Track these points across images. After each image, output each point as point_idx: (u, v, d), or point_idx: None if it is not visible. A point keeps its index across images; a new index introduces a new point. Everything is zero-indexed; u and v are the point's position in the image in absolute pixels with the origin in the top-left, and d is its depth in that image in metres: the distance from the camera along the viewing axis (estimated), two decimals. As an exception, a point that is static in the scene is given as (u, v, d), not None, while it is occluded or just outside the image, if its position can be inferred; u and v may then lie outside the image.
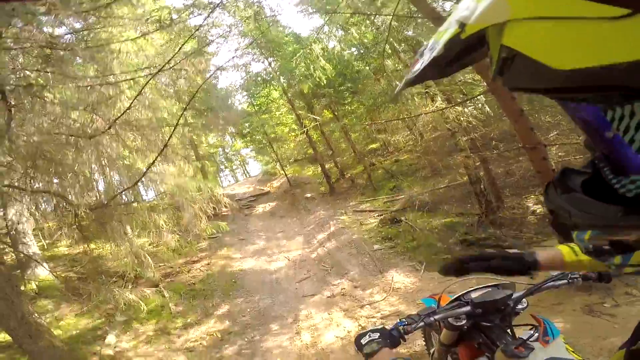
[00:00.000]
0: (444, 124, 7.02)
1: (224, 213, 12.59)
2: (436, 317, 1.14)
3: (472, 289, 1.32)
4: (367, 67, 11.02)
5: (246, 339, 5.07)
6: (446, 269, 1.05)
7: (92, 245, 10.12)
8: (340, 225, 9.10)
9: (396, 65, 8.86)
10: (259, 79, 14.97)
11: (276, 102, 16.91)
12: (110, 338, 5.72)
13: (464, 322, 1.16)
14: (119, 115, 4.10)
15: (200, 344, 5.30)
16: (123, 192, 5.15)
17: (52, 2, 2.25)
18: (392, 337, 1.05)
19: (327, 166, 14.29)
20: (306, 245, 8.97)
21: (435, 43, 0.38)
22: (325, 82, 10.97)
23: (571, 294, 3.05)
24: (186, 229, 8.21)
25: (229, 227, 11.78)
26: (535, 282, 1.15)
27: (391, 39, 6.99)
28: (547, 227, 5.06)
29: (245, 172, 28.86)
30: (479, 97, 6.32)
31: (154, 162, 4.66)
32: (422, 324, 1.12)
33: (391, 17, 5.80)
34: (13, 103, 3.05)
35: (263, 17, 12.11)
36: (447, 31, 0.35)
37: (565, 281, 1.15)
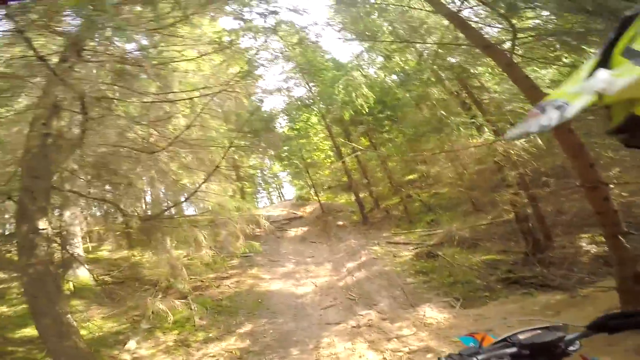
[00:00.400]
0: (491, 157, 6.65)
1: (257, 233, 12.82)
2: (479, 357, 1.05)
3: (520, 330, 1.20)
4: (408, 95, 10.95)
5: None
6: (595, 326, 1.03)
7: (133, 253, 10.74)
8: (372, 256, 8.80)
9: (440, 94, 8.66)
10: (300, 103, 15.48)
11: (314, 128, 17.29)
12: (131, 344, 5.81)
13: None
14: (179, 133, 4.46)
15: (218, 359, 5.23)
16: (171, 207, 5.47)
17: (128, 18, 2.60)
18: None
19: (361, 195, 14.06)
20: (334, 272, 8.75)
21: (566, 104, 0.41)
22: (366, 110, 11.04)
23: (625, 335, 2.66)
24: (221, 245, 8.38)
25: (261, 247, 11.91)
26: None
27: (435, 67, 6.92)
28: (601, 268, 4.47)
29: (281, 195, 29.37)
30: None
31: (205, 180, 4.94)
32: None
33: (436, 45, 5.81)
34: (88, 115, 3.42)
35: (307, 43, 12.75)
36: (580, 97, 0.40)
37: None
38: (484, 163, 7.48)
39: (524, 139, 5.64)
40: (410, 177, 14.58)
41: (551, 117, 0.42)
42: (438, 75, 7.61)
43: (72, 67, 2.84)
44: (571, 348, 1.05)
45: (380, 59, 8.92)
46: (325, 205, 16.28)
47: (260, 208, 20.55)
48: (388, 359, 4.02)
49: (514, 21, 4.42)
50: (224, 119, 7.41)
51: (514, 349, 1.06)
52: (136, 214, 4.89)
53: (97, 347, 5.44)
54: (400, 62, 8.07)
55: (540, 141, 6.14)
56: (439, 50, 6.15)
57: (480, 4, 4.74)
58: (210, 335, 6.10)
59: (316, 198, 16.71)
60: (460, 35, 5.20)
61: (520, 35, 4.74)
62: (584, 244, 5.25)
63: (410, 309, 5.28)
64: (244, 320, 6.60)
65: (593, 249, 5.01)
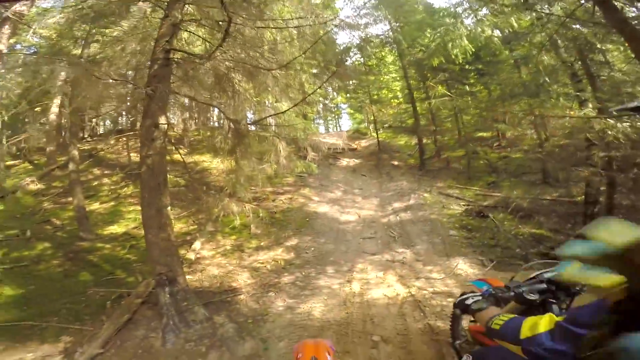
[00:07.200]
0: (585, 133, 6.12)
1: (312, 157, 13.45)
2: (523, 288, 1.33)
3: (545, 270, 1.48)
4: (509, 53, 9.80)
5: (303, 273, 5.53)
6: None
7: (201, 158, 11.81)
8: (421, 201, 8.97)
9: (551, 60, 7.59)
10: (377, 41, 14.65)
11: (388, 67, 16.54)
12: (197, 244, 6.57)
13: (536, 297, 1.32)
14: (297, 55, 4.70)
15: (265, 266, 5.89)
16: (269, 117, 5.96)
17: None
18: (494, 299, 1.30)
19: (424, 141, 13.79)
20: (380, 208, 9.16)
21: None
22: (460, 61, 10.17)
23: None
24: (283, 162, 8.85)
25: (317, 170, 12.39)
26: None
27: (554, 34, 6.10)
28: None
29: (337, 125, 29.89)
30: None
31: (297, 104, 5.33)
32: (512, 293, 1.33)
33: (565, 17, 5.10)
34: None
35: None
36: None
37: None
38: (573, 137, 6.91)
39: (627, 118, 5.07)
40: (482, 134, 13.63)
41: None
42: (555, 42, 6.67)
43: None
44: (584, 288, 1.27)
45: (484, 11, 7.74)
46: (382, 143, 16.34)
47: (318, 134, 21.04)
48: (413, 293, 4.48)
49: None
50: (300, 47, 7.41)
51: (543, 285, 1.35)
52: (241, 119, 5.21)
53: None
54: (512, 20, 7.05)
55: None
56: (567, 19, 5.34)
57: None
58: (262, 244, 6.85)
59: (374, 134, 16.71)
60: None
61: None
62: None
63: (445, 257, 5.61)
64: (292, 234, 7.31)
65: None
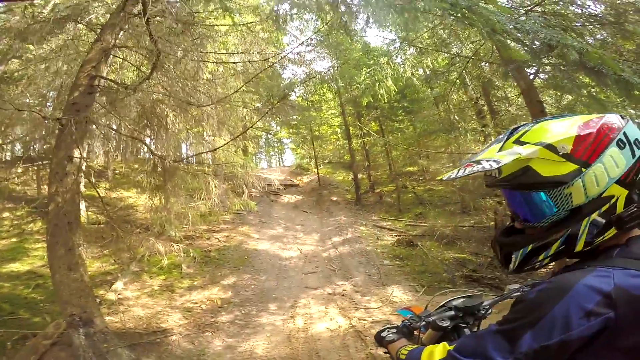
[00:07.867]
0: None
1: (252, 193, 13.16)
2: (431, 318, 1.40)
3: (453, 298, 1.63)
4: (430, 91, 11.07)
5: (243, 312, 5.31)
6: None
7: (126, 193, 10.77)
8: (357, 235, 9.31)
9: (461, 97, 8.80)
10: (318, 77, 15.39)
11: (328, 103, 17.41)
12: (118, 285, 5.94)
13: (447, 323, 1.40)
14: (233, 91, 4.72)
15: (200, 306, 5.52)
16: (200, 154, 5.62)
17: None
18: (405, 331, 1.38)
19: (359, 176, 14.49)
20: (320, 243, 9.27)
21: (496, 161, 0.70)
22: (385, 100, 11.16)
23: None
24: (219, 199, 8.51)
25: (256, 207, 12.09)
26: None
27: (464, 72, 7.11)
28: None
29: (280, 160, 29.81)
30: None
31: (235, 138, 5.22)
32: (423, 322, 1.41)
33: (471, 53, 6.03)
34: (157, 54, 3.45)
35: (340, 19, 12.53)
36: (506, 157, 0.69)
37: (519, 293, 1.43)
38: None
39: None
40: (410, 168, 14.97)
41: (484, 167, 0.71)
42: (464, 80, 7.78)
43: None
44: (489, 312, 1.44)
45: (411, 50, 8.83)
46: (322, 178, 16.78)
47: (260, 170, 20.86)
48: (354, 324, 4.58)
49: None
50: (243, 81, 7.53)
51: (452, 312, 1.44)
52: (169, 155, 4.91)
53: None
54: (429, 61, 8.10)
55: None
56: (473, 57, 6.38)
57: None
58: (195, 283, 6.38)
59: (315, 170, 17.19)
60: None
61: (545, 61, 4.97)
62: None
63: (381, 286, 5.85)
64: (229, 273, 6.91)
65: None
